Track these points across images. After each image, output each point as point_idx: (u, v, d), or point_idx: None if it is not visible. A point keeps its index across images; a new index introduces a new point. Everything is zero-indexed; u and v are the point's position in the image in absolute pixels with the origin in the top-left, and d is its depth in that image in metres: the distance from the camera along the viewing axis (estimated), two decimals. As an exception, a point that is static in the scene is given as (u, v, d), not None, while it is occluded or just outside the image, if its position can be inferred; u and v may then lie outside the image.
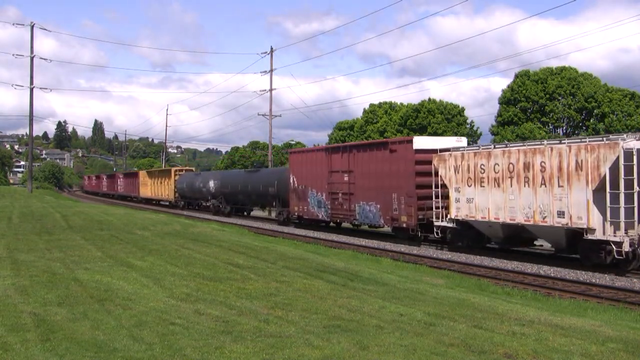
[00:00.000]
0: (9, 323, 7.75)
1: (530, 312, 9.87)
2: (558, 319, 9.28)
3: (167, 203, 57.36)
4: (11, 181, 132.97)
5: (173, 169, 57.04)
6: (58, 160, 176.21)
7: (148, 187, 63.18)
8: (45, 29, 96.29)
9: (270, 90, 53.41)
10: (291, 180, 31.95)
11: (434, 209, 22.10)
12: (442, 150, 22.21)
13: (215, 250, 16.94)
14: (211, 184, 45.48)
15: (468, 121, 62.00)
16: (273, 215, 40.47)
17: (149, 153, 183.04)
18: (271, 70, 53.00)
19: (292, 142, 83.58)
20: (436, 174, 22.02)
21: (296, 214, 31.75)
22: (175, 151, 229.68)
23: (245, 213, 44.93)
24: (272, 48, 52.92)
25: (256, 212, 46.78)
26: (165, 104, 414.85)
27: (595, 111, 52.80)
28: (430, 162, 22.36)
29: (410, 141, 23.46)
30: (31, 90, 55.54)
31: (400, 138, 27.87)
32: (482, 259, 19.93)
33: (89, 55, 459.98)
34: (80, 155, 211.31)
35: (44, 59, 63.22)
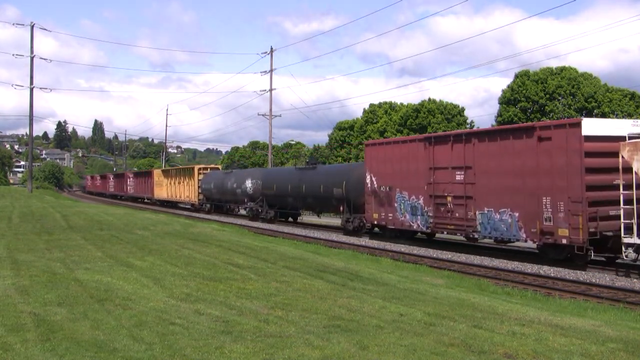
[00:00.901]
0: (9, 323, 7.75)
1: (530, 312, 9.87)
2: (558, 319, 9.27)
3: (189, 206, 51.68)
4: (11, 181, 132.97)
5: (196, 167, 50.71)
6: (58, 160, 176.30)
7: (164, 188, 57.42)
8: (45, 29, 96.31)
9: (270, 90, 53.41)
10: (368, 180, 26.01)
11: (622, 219, 15.86)
12: (633, 137, 16.29)
13: (215, 250, 16.94)
14: (248, 183, 39.05)
15: (468, 121, 61.98)
16: (335, 221, 34.80)
17: (149, 153, 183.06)
18: (271, 70, 53.01)
19: (292, 142, 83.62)
20: (629, 169, 15.79)
21: (375, 222, 25.95)
22: (175, 151, 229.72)
23: (291, 219, 38.25)
24: (272, 48, 52.95)
25: (308, 218, 39.84)
26: (165, 104, 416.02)
27: (595, 111, 52.81)
28: (608, 154, 16.54)
29: (577, 124, 17.01)
30: (31, 90, 55.55)
31: (557, 121, 20.38)
32: (482, 259, 19.92)
33: (88, 55, 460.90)
34: (80, 155, 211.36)
35: (44, 59, 63.23)
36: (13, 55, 67.13)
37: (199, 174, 48.25)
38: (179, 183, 52.74)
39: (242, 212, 44.18)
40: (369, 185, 25.99)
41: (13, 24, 57.98)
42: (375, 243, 24.58)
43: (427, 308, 9.65)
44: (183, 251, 16.34)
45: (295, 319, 8.38)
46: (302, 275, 12.85)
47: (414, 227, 23.61)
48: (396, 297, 10.67)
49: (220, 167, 56.25)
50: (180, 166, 65.27)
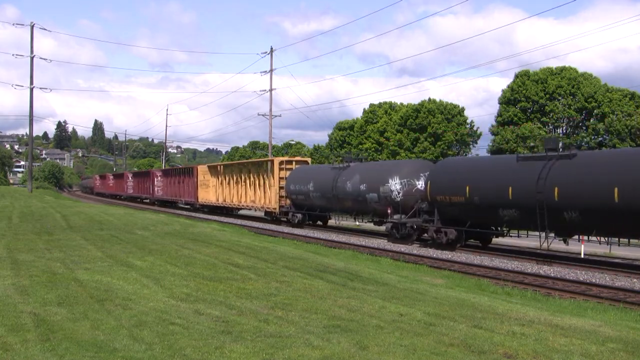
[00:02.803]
0: (9, 323, 7.75)
1: (530, 312, 9.86)
2: (558, 319, 9.27)
3: (262, 214, 38.76)
4: (11, 181, 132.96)
5: (277, 160, 35.90)
6: (58, 160, 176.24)
7: (211, 190, 45.96)
8: (45, 29, 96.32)
9: (270, 90, 53.41)
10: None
11: None
12: None
13: (215, 250, 16.94)
14: (395, 185, 24.56)
15: (468, 121, 61.98)
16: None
17: (149, 153, 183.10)
18: (271, 70, 53.01)
19: (292, 142, 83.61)
20: None
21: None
22: (175, 151, 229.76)
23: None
24: (272, 48, 52.96)
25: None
26: (165, 104, 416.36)
27: (595, 111, 52.78)
28: None
29: None
30: (31, 90, 55.58)
31: None
32: (482, 258, 19.91)
33: (87, 55, 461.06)
34: (80, 155, 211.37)
35: (44, 59, 63.24)
36: (13, 55, 67.19)
37: (281, 169, 34.53)
38: (243, 183, 40.70)
39: (374, 226, 29.17)
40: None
41: (13, 24, 58.09)
42: (375, 243, 24.58)
43: (427, 308, 9.64)
44: (183, 251, 16.34)
45: (295, 319, 8.38)
46: (302, 275, 12.84)
47: None
48: (396, 297, 10.67)
49: (309, 160, 39.96)
50: (249, 160, 50.42)
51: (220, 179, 44.52)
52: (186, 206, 51.38)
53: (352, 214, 29.28)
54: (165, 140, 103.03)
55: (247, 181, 39.77)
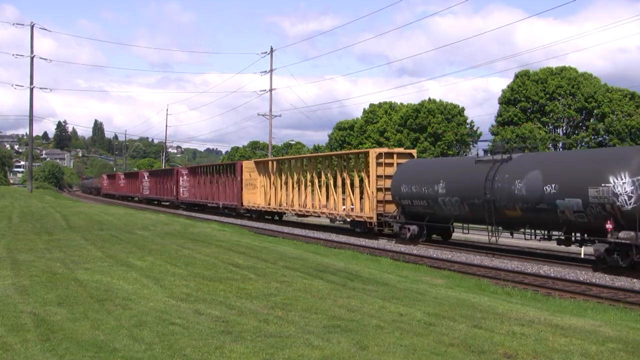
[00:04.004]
0: (9, 323, 7.75)
1: (530, 312, 9.86)
2: (558, 319, 9.27)
3: (333, 223, 31.95)
4: (11, 181, 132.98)
5: (374, 151, 26.43)
6: (58, 160, 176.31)
7: (259, 191, 37.47)
8: (45, 29, 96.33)
9: (270, 90, 53.42)
10: None
11: None
12: None
13: (215, 250, 16.94)
14: (624, 183, 15.83)
15: (468, 121, 61.99)
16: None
17: (149, 153, 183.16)
18: (271, 70, 53.03)
19: (292, 142, 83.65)
20: None
21: None
22: (175, 151, 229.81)
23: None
24: (272, 48, 52.99)
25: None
26: (164, 104, 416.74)
27: (595, 111, 52.81)
28: None
29: None
30: (31, 90, 55.60)
31: None
32: (482, 258, 19.90)
33: (86, 55, 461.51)
34: (80, 155, 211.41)
35: (44, 59, 63.27)
36: (13, 55, 67.17)
37: (378, 163, 25.51)
38: (308, 182, 32.35)
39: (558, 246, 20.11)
40: None
41: (13, 24, 58.13)
42: (375, 243, 24.55)
43: (427, 308, 9.64)
44: (183, 251, 16.34)
45: (295, 319, 8.38)
46: (302, 275, 12.84)
47: None
48: (396, 297, 10.67)
49: (414, 153, 28.44)
50: (323, 152, 41.65)
51: (272, 177, 36.11)
52: (226, 211, 42.29)
53: (517, 227, 20.14)
54: (165, 140, 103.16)
55: (317, 181, 31.38)
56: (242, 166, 39.32)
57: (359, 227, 27.51)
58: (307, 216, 33.80)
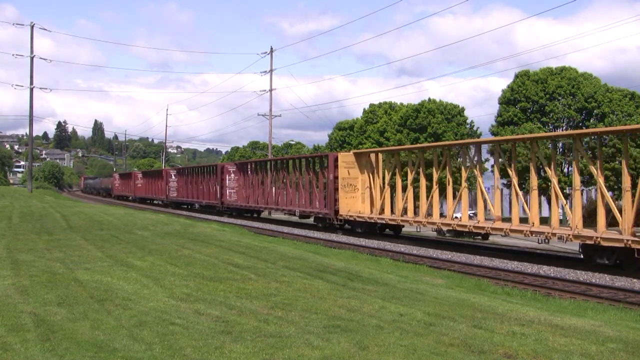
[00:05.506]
0: (9, 323, 7.75)
1: (530, 312, 9.86)
2: (558, 319, 9.27)
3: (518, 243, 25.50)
4: (11, 181, 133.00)
5: None
6: (58, 160, 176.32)
7: (360, 196, 27.97)
8: (44, 29, 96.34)
9: (270, 90, 53.42)
10: None
11: None
12: None
13: (215, 250, 16.94)
14: None
15: (468, 121, 61.97)
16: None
17: (149, 153, 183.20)
18: (271, 70, 53.03)
19: (292, 142, 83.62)
20: None
21: None
22: (175, 151, 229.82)
23: None
24: (272, 48, 53.00)
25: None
26: (164, 104, 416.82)
27: (595, 111, 52.79)
28: None
29: None
30: (31, 90, 55.59)
31: None
32: (482, 259, 19.90)
33: (86, 55, 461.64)
34: (80, 155, 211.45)
35: (44, 59, 63.25)
36: (13, 55, 67.07)
37: None
38: (449, 183, 23.15)
39: None
40: None
41: (13, 24, 58.11)
42: (375, 243, 24.54)
43: (427, 308, 9.64)
44: (183, 251, 16.34)
45: (295, 319, 8.37)
46: (302, 275, 12.84)
47: None
48: (396, 297, 10.67)
49: None
50: (520, 134, 31.27)
51: (381, 176, 27.31)
52: (322, 220, 30.08)
53: None
54: (165, 140, 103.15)
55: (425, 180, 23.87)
56: (338, 159, 28.27)
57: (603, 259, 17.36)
58: (461, 232, 23.85)
